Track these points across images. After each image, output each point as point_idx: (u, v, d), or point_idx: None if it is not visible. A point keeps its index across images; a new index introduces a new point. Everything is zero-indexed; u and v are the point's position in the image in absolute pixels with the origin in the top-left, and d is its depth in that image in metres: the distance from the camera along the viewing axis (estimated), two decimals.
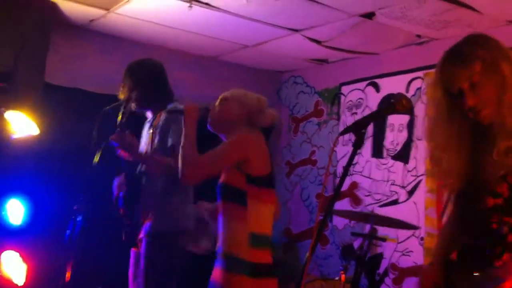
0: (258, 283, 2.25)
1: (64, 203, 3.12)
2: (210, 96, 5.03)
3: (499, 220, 1.68)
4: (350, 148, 1.84)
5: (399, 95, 1.77)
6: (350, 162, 1.71)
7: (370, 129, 4.76)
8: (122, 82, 3.39)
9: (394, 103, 1.72)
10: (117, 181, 3.27)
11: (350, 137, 4.74)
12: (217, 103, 2.60)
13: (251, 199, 2.34)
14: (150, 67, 3.38)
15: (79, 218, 2.82)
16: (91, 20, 4.34)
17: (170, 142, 3.03)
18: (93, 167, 2.86)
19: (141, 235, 3.16)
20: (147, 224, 3.12)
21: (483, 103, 1.70)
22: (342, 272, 3.58)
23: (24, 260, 3.65)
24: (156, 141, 3.14)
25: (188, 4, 3.81)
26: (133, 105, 3.21)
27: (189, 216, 3.01)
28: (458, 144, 1.79)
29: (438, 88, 1.78)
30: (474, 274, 1.67)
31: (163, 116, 3.16)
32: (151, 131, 3.20)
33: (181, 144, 2.39)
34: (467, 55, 1.70)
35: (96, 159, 2.86)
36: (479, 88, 1.69)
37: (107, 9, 4.06)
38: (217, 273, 2.32)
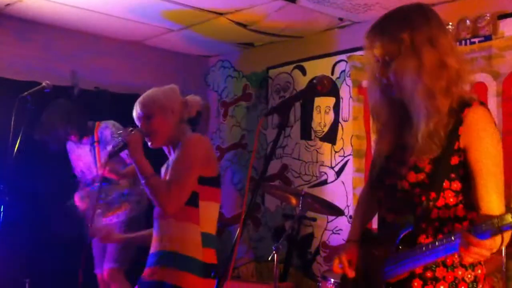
0: (206, 283, 2.28)
1: None
2: (136, 83, 5.00)
3: (423, 195, 1.70)
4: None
5: (321, 76, 1.76)
6: (276, 142, 1.72)
7: (298, 111, 4.84)
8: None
9: (315, 84, 1.73)
10: (79, 196, 3.83)
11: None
12: (143, 122, 2.44)
13: (202, 200, 2.35)
14: None
15: (0, 209, 2.73)
16: (7, 5, 4.13)
17: None
18: (13, 155, 2.76)
19: (112, 221, 3.85)
20: (117, 214, 3.87)
21: (391, 80, 1.71)
22: (275, 252, 3.63)
23: None
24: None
25: None
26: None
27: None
28: (381, 108, 1.82)
29: (368, 52, 1.78)
30: (399, 248, 1.70)
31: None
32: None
33: (143, 180, 2.29)
34: (388, 33, 1.70)
35: (16, 147, 2.76)
36: (392, 67, 1.70)
37: None
38: (163, 272, 2.31)
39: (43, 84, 3.21)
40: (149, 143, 2.44)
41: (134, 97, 4.66)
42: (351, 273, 1.86)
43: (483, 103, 1.73)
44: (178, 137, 2.43)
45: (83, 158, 3.96)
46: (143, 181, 2.29)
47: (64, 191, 3.93)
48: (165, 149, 2.50)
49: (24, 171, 3.50)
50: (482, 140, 1.66)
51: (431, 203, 1.68)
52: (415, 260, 1.65)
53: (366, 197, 2.05)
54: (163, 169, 2.55)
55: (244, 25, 4.52)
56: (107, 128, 3.88)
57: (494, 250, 1.54)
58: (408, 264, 1.67)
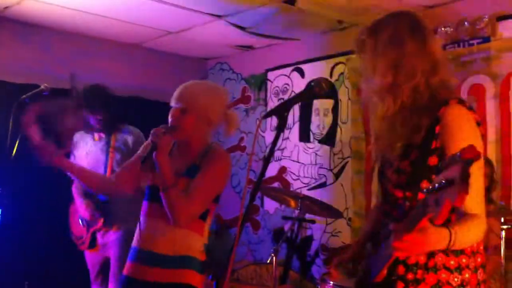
0: (202, 278, 2.31)
1: None
2: (135, 85, 5.00)
3: (403, 196, 1.73)
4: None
5: (319, 78, 1.78)
6: (274, 144, 1.72)
7: (297, 114, 4.84)
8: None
9: (313, 86, 1.74)
10: (81, 205, 3.55)
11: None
12: (175, 112, 2.34)
13: (210, 215, 2.36)
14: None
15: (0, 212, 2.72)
16: (6, 7, 4.13)
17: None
18: (11, 159, 2.75)
19: (109, 239, 3.54)
20: (116, 230, 3.54)
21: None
22: (273, 255, 3.62)
23: None
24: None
25: None
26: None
27: None
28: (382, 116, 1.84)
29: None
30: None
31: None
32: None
33: (162, 187, 2.22)
34: (360, 39, 1.85)
35: (14, 150, 2.75)
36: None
37: None
38: (166, 274, 2.28)
39: (42, 87, 3.18)
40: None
41: (133, 99, 4.63)
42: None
43: (462, 101, 1.73)
44: (201, 142, 2.36)
45: (91, 156, 3.65)
46: (162, 188, 2.22)
47: (63, 194, 3.91)
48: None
49: (23, 174, 3.49)
50: (459, 139, 1.64)
51: (407, 203, 1.70)
52: (383, 257, 1.67)
53: (379, 203, 2.07)
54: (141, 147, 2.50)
55: (242, 28, 4.52)
56: (129, 135, 3.61)
57: (433, 246, 1.54)
58: (381, 262, 1.68)
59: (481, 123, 1.73)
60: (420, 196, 1.69)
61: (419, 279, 1.69)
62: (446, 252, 1.68)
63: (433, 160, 1.68)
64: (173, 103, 2.36)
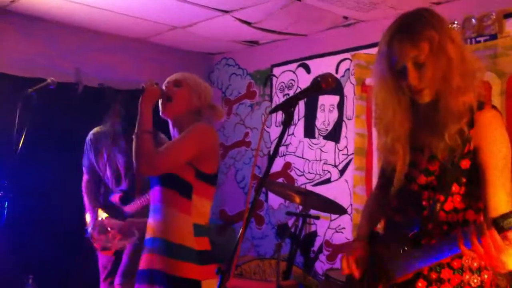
0: (204, 269, 2.31)
1: None
2: (140, 80, 4.97)
3: (431, 197, 1.71)
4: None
5: (325, 74, 1.74)
6: (280, 139, 1.71)
7: (302, 110, 4.83)
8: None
9: (320, 81, 1.72)
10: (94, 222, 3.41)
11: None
12: (169, 85, 2.50)
13: (196, 194, 2.36)
14: None
15: (5, 205, 2.72)
16: (12, 1, 4.13)
17: None
18: (17, 152, 2.75)
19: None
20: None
21: (425, 83, 1.68)
22: (277, 250, 3.61)
23: None
24: None
25: None
26: None
27: None
28: (401, 120, 1.79)
29: (383, 61, 1.75)
30: (405, 249, 1.70)
31: None
32: None
33: (137, 131, 2.29)
34: (416, 34, 1.67)
35: (20, 143, 2.75)
36: (424, 68, 1.67)
37: None
38: (155, 259, 2.33)
39: (48, 80, 3.17)
40: (160, 109, 2.46)
41: (138, 93, 4.60)
42: (357, 274, 1.85)
43: (495, 107, 1.74)
44: (187, 123, 2.45)
45: (111, 159, 3.54)
46: (136, 131, 2.30)
47: (69, 187, 3.92)
48: (170, 125, 2.52)
49: (28, 167, 3.50)
50: (492, 141, 1.66)
51: (438, 205, 1.68)
52: (421, 260, 1.64)
53: (375, 197, 2.05)
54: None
55: (248, 23, 4.51)
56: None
57: (502, 252, 1.45)
58: (414, 265, 1.66)
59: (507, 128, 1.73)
60: (451, 199, 1.69)
61: (443, 278, 1.69)
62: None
63: (465, 163, 1.68)
64: (166, 84, 2.53)
